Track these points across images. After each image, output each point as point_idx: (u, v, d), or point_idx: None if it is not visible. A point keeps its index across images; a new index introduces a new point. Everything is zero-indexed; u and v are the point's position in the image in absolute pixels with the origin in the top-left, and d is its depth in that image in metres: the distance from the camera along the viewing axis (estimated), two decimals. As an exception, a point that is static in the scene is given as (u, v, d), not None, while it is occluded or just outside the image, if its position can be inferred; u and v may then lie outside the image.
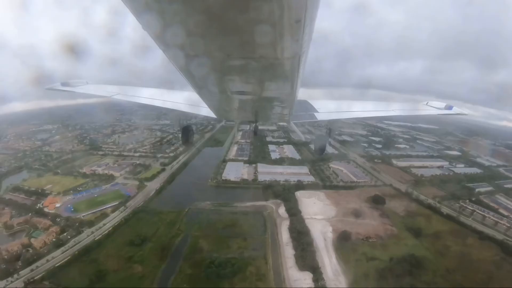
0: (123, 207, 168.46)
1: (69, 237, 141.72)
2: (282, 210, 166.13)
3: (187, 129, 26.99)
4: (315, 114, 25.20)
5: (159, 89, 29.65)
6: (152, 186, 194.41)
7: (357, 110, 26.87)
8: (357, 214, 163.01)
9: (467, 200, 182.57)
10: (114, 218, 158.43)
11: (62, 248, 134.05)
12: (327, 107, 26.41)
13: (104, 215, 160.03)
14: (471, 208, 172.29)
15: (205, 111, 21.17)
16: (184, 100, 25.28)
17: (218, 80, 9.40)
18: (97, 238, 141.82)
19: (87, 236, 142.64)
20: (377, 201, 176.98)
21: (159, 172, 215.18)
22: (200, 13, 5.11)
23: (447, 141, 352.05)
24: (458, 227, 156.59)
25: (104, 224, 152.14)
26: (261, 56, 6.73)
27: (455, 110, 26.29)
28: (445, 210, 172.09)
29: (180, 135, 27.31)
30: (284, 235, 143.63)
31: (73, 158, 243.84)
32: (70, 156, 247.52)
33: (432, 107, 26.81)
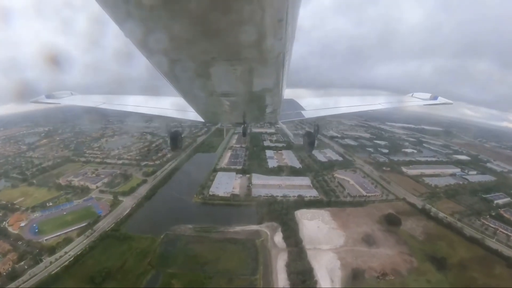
0: (90, 230, 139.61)
1: (26, 267, 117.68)
2: (278, 238, 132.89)
3: (176, 135, 23.81)
4: (302, 112, 23.92)
5: (145, 96, 27.48)
6: (128, 202, 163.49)
7: (343, 105, 25.84)
8: (369, 241, 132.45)
9: (488, 216, 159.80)
10: (78, 245, 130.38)
11: (16, 282, 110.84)
12: (314, 104, 25.72)
13: (67, 240, 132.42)
14: (494, 226, 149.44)
15: (193, 115, 19.57)
16: (171, 105, 23.44)
17: (203, 83, 8.83)
18: (54, 272, 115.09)
19: (44, 268, 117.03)
20: (391, 222, 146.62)
21: (139, 185, 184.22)
22: (182, 18, 4.92)
23: (453, 144, 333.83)
24: (483, 252, 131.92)
25: (66, 253, 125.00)
26: (245, 57, 6.50)
27: (440, 100, 25.97)
28: (467, 230, 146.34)
29: (168, 141, 23.74)
30: (280, 276, 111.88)
31: (53, 165, 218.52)
32: (51, 163, 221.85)
33: (418, 98, 26.95)
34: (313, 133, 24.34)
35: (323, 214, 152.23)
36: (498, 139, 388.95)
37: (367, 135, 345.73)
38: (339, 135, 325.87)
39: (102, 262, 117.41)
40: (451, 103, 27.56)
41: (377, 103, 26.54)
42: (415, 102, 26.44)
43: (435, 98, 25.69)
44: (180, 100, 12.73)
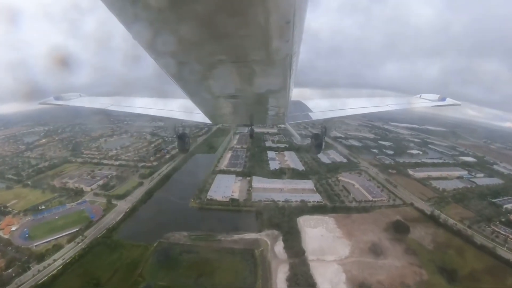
0: (81, 236, 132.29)
1: (14, 275, 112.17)
2: (279, 248, 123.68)
3: (183, 137, 24.66)
4: (310, 114, 24.86)
5: (152, 98, 27.62)
6: (122, 206, 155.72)
7: (351, 107, 26.30)
8: (376, 251, 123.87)
9: (498, 222, 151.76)
10: (67, 252, 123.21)
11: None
12: (321, 106, 26.38)
13: (57, 247, 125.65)
14: (504, 233, 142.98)
15: (200, 117, 21.39)
16: (178, 107, 24.73)
17: (210, 85, 8.79)
18: (40, 281, 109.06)
19: (32, 276, 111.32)
20: (399, 229, 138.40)
21: (135, 187, 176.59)
22: (190, 20, 4.91)
23: (458, 145, 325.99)
24: (494, 262, 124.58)
25: (54, 261, 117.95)
26: (252, 59, 6.45)
27: (449, 101, 25.93)
28: (477, 238, 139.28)
29: (176, 142, 24.54)
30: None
31: (49, 166, 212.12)
32: (47, 164, 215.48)
33: (426, 100, 26.82)
34: (321, 135, 24.10)
35: (327, 221, 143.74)
36: (503, 140, 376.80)
37: (371, 136, 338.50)
38: (343, 136, 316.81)
39: (91, 272, 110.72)
40: (459, 104, 27.15)
41: (385, 104, 26.17)
42: (424, 104, 26.22)
43: (443, 99, 25.37)
44: (187, 102, 11.85)
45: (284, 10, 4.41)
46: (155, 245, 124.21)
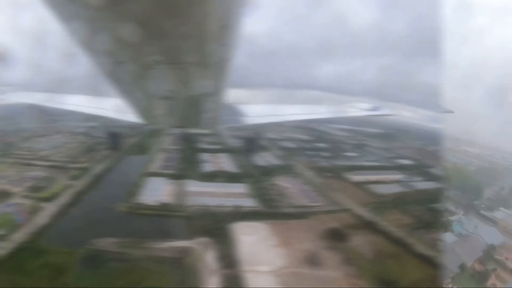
0: (5, 241, 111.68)
1: None
2: (211, 257, 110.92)
3: (115, 136, 32.22)
4: (244, 118, 27.33)
5: (87, 96, 31.46)
6: (50, 209, 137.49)
7: (286, 113, 29.25)
8: (313, 260, 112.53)
9: (437, 229, 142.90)
10: None
11: None
12: (256, 111, 28.42)
13: None
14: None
15: (132, 117, 22.22)
16: (112, 106, 26.17)
17: (144, 86, 10.08)
18: None
19: None
20: (336, 237, 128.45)
21: (64, 190, 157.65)
22: (127, 21, 5.17)
23: (395, 148, 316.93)
24: (435, 272, 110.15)
25: None
26: (188, 61, 7.19)
27: (382, 111, 30.78)
28: (418, 246, 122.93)
29: (108, 142, 32.72)
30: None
31: None
32: None
33: (359, 109, 30.65)
34: (254, 139, 33.60)
35: (262, 228, 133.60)
36: (437, 141, 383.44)
37: (306, 137, 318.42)
38: (278, 137, 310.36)
39: (12, 280, 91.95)
40: (393, 115, 34.49)
41: (318, 112, 29.72)
42: (357, 113, 30.00)
43: (376, 109, 29.53)
44: (120, 102, 14.14)
45: (221, 14, 4.74)
46: (81, 251, 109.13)
